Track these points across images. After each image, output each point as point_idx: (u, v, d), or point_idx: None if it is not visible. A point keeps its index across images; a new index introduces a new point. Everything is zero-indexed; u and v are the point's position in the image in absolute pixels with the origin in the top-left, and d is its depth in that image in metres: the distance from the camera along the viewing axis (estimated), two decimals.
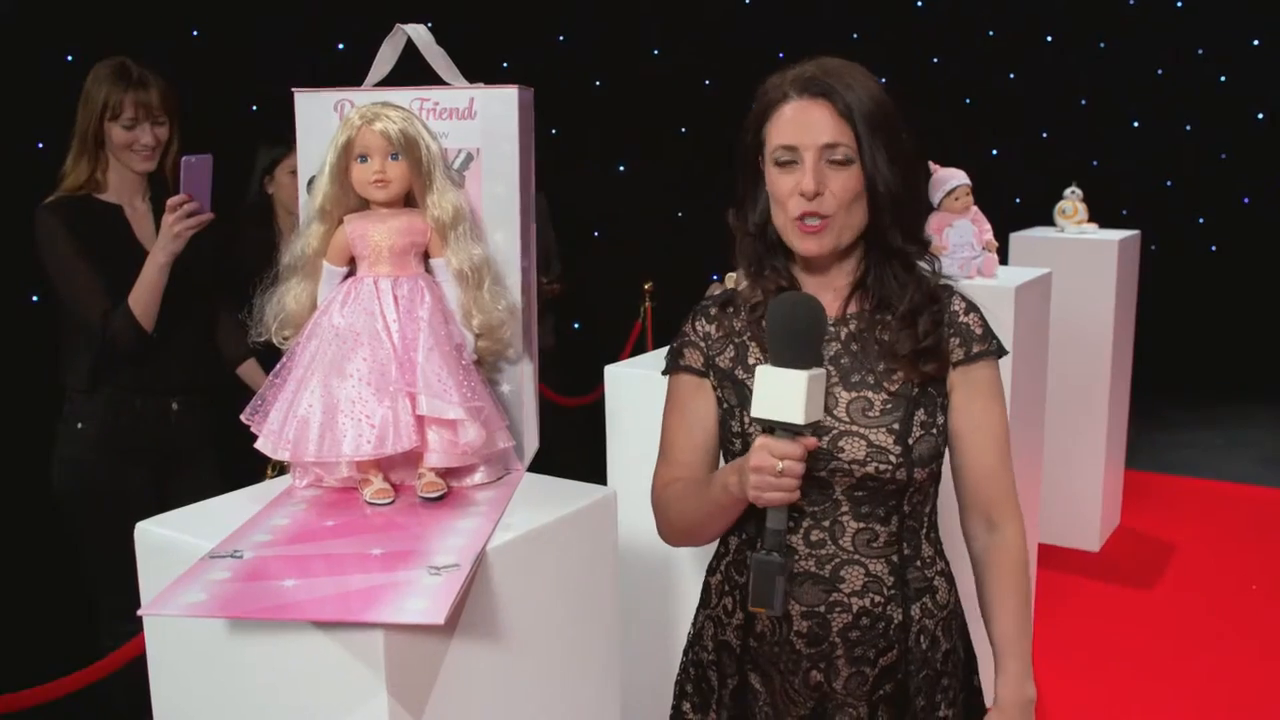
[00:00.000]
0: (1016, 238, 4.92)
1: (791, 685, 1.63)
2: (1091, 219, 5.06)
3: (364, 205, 1.61)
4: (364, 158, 1.56)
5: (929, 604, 1.65)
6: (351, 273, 1.62)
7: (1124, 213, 7.38)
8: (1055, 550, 4.91)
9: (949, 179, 3.69)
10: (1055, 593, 4.49)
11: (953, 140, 7.82)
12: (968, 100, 8.07)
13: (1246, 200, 8.40)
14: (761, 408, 1.42)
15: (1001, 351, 1.68)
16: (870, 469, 1.57)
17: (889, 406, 1.59)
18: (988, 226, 3.70)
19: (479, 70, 1.74)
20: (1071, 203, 5.01)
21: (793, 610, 1.60)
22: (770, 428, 1.43)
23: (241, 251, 2.97)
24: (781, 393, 1.40)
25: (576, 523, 1.57)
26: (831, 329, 1.62)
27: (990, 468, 1.65)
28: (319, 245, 1.60)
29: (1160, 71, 8.36)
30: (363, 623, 1.23)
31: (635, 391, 2.53)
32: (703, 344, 1.68)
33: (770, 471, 1.42)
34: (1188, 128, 8.39)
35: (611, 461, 2.60)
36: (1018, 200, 7.27)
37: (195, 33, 4.33)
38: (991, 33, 8.14)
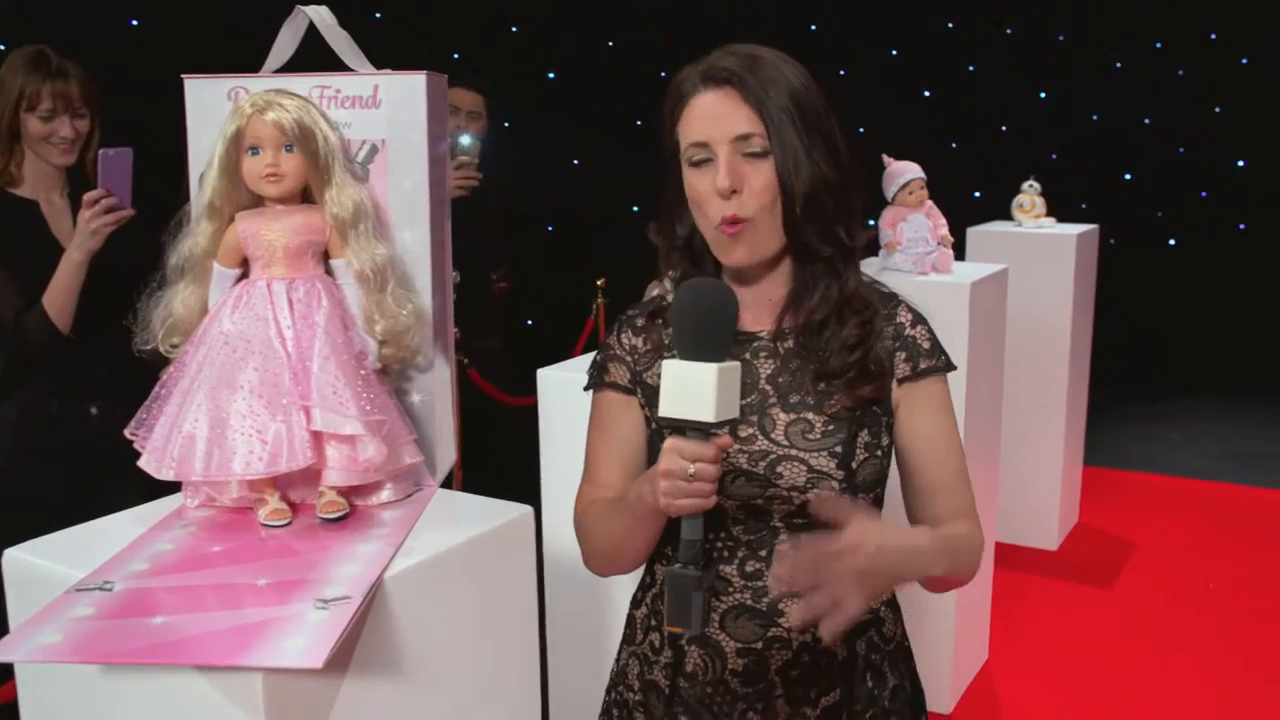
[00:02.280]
0: (974, 232, 4.84)
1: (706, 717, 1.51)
2: (1050, 213, 4.99)
3: (257, 201, 1.49)
4: (255, 150, 1.44)
5: (875, 638, 1.53)
6: (244, 275, 1.50)
7: (1083, 207, 7.34)
8: (1013, 549, 4.84)
9: (903, 172, 3.60)
10: (1014, 592, 4.42)
11: (910, 133, 7.77)
12: (926, 93, 8.01)
13: (1204, 194, 8.39)
14: (669, 406, 1.27)
15: (950, 366, 1.56)
16: (811, 496, 1.44)
17: (830, 428, 1.45)
18: (943, 221, 3.61)
19: (426, 63, 1.62)
20: (1029, 197, 4.93)
21: (727, 647, 1.47)
22: (679, 428, 1.29)
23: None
24: (690, 389, 1.26)
25: (488, 545, 1.45)
26: (769, 345, 1.49)
27: (946, 483, 1.51)
28: (208, 245, 1.47)
29: (1119, 65, 8.33)
30: (233, 666, 1.12)
31: (568, 396, 2.41)
32: (629, 358, 1.54)
33: (681, 476, 1.27)
34: (1146, 121, 8.37)
35: (545, 468, 2.48)
36: (976, 194, 7.22)
37: (134, 22, 4.17)
38: (950, 25, 8.08)
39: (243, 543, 1.39)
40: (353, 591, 1.23)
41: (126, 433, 1.48)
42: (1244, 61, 8.11)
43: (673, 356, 1.30)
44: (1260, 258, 8.12)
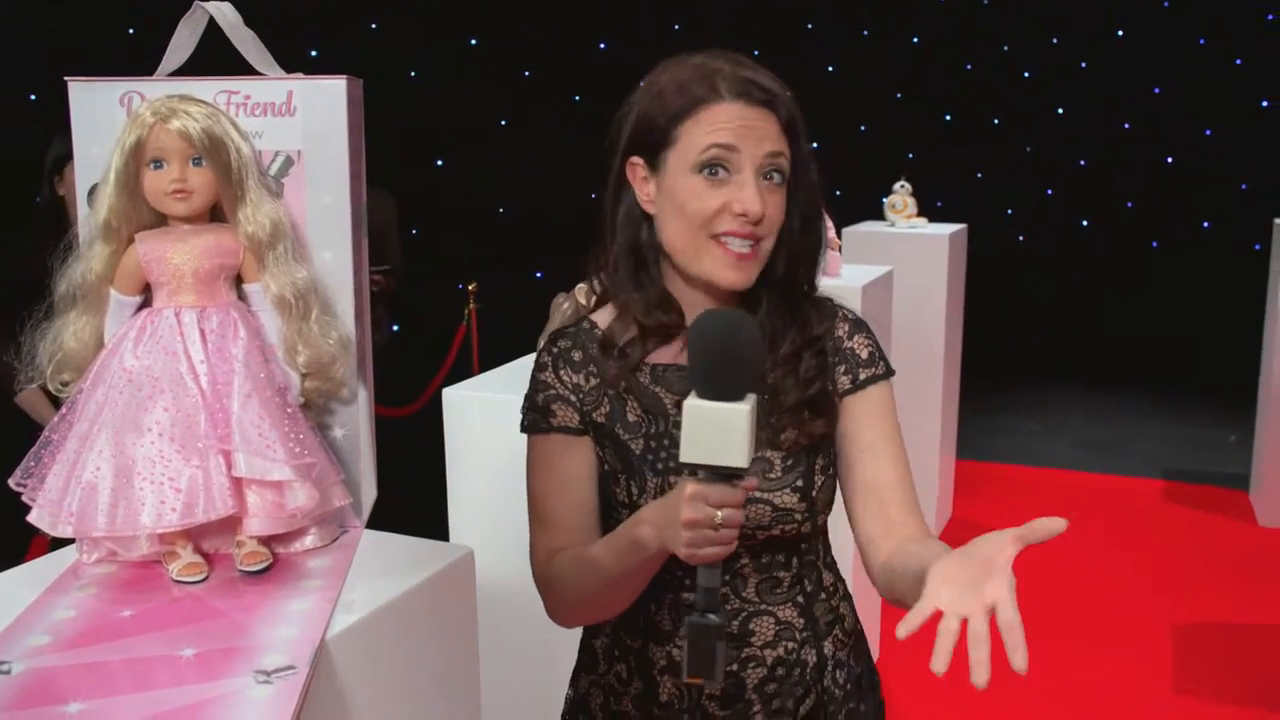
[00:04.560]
0: (848, 233, 4.87)
1: None
2: (922, 213, 5.06)
3: (160, 220, 1.33)
4: (158, 163, 1.28)
5: (839, 634, 1.49)
6: (146, 303, 1.34)
7: (938, 204, 7.50)
8: None
9: None
10: None
11: None
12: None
13: (1050, 192, 8.69)
14: (693, 451, 1.14)
15: (890, 372, 1.50)
16: (775, 531, 1.38)
17: (790, 463, 1.39)
18: (830, 224, 3.59)
19: (285, 60, 1.48)
20: (901, 197, 4.99)
21: (659, 657, 1.42)
22: (694, 471, 1.17)
23: (33, 261, 2.60)
24: (717, 432, 1.13)
25: (430, 591, 1.33)
26: None
27: (892, 486, 1.43)
28: (104, 270, 1.31)
29: (969, 66, 8.55)
30: None
31: (476, 415, 2.29)
32: (574, 397, 1.40)
33: (708, 525, 1.16)
34: (995, 121, 8.61)
35: (452, 489, 2.35)
36: (837, 193, 7.30)
37: None
38: (810, 26, 8.16)
39: (155, 604, 1.24)
40: (296, 660, 1.10)
41: (12, 483, 1.31)
42: (1083, 65, 8.42)
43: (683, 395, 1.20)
44: (1101, 253, 8.45)
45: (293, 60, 1.46)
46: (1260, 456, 5.42)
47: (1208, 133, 8.18)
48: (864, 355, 1.47)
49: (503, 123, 6.80)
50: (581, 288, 2.25)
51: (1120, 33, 8.28)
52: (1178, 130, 8.22)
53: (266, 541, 1.33)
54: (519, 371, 2.44)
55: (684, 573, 1.38)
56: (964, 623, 1.08)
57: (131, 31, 4.35)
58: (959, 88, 8.55)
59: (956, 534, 5.14)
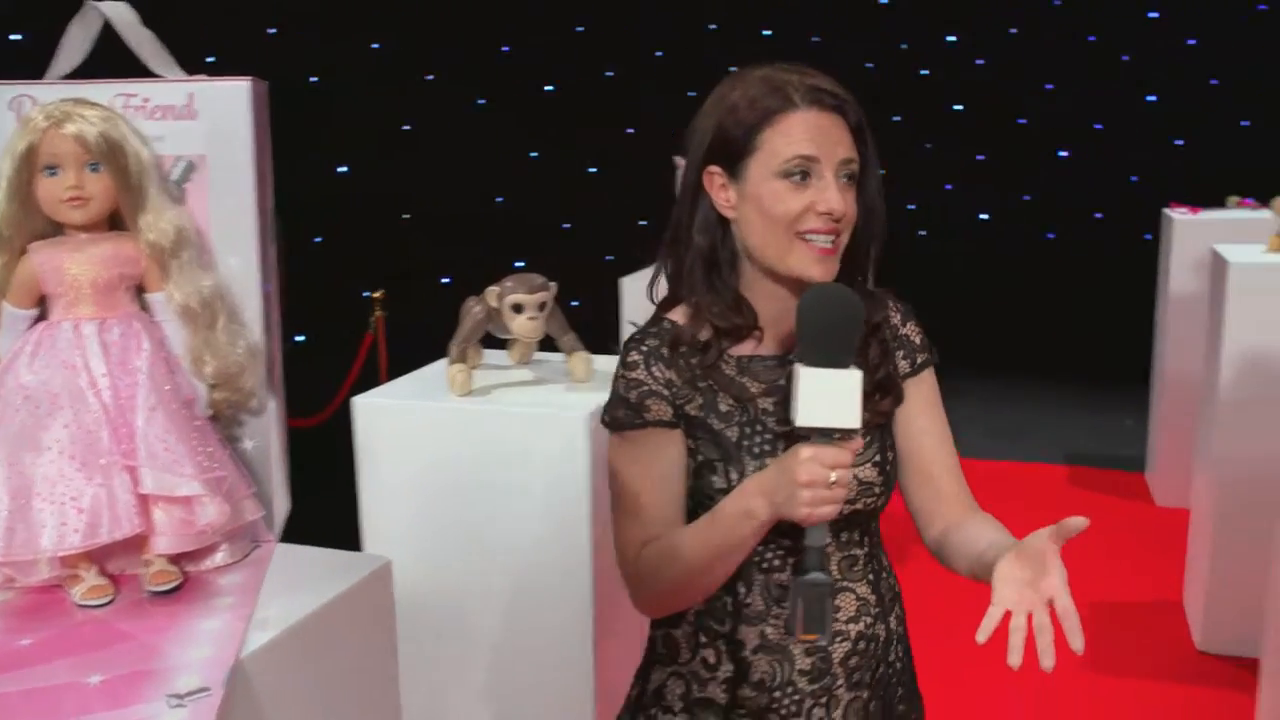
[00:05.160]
0: None
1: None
2: None
3: (56, 229, 1.28)
4: (53, 169, 1.24)
5: (899, 610, 1.61)
6: (43, 315, 1.29)
7: None
8: None
9: None
10: None
11: (680, 133, 7.84)
12: (691, 93, 8.10)
13: (949, 187, 8.84)
14: (809, 415, 1.25)
15: (937, 358, 1.62)
16: (859, 505, 1.47)
17: (869, 439, 1.48)
18: None
19: (187, 62, 1.43)
20: None
21: (796, 650, 1.48)
22: (805, 435, 1.27)
23: None
24: (831, 396, 1.25)
25: (347, 604, 1.30)
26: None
27: (949, 467, 1.57)
28: None
29: (870, 65, 8.66)
30: None
31: (387, 423, 2.25)
32: (666, 391, 1.44)
33: (824, 484, 1.26)
34: (896, 119, 8.75)
35: (364, 499, 2.30)
36: None
37: None
38: (713, 26, 8.20)
39: (58, 630, 1.19)
40: (210, 681, 1.06)
41: None
42: (979, 62, 8.59)
43: (789, 364, 1.32)
44: (1000, 245, 8.63)
45: (195, 63, 1.42)
46: (1155, 439, 5.60)
47: (1098, 127, 8.40)
48: (917, 341, 1.59)
49: (406, 127, 6.72)
50: (492, 290, 2.23)
51: (1014, 30, 8.46)
52: (1070, 125, 8.42)
53: (176, 560, 1.29)
54: (429, 378, 2.40)
55: (773, 554, 1.46)
56: (1029, 617, 1.25)
57: (19, 37, 4.20)
58: (858, 86, 8.63)
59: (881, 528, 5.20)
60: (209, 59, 4.90)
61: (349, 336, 5.12)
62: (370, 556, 1.39)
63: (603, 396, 2.16)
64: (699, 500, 1.47)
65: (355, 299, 5.20)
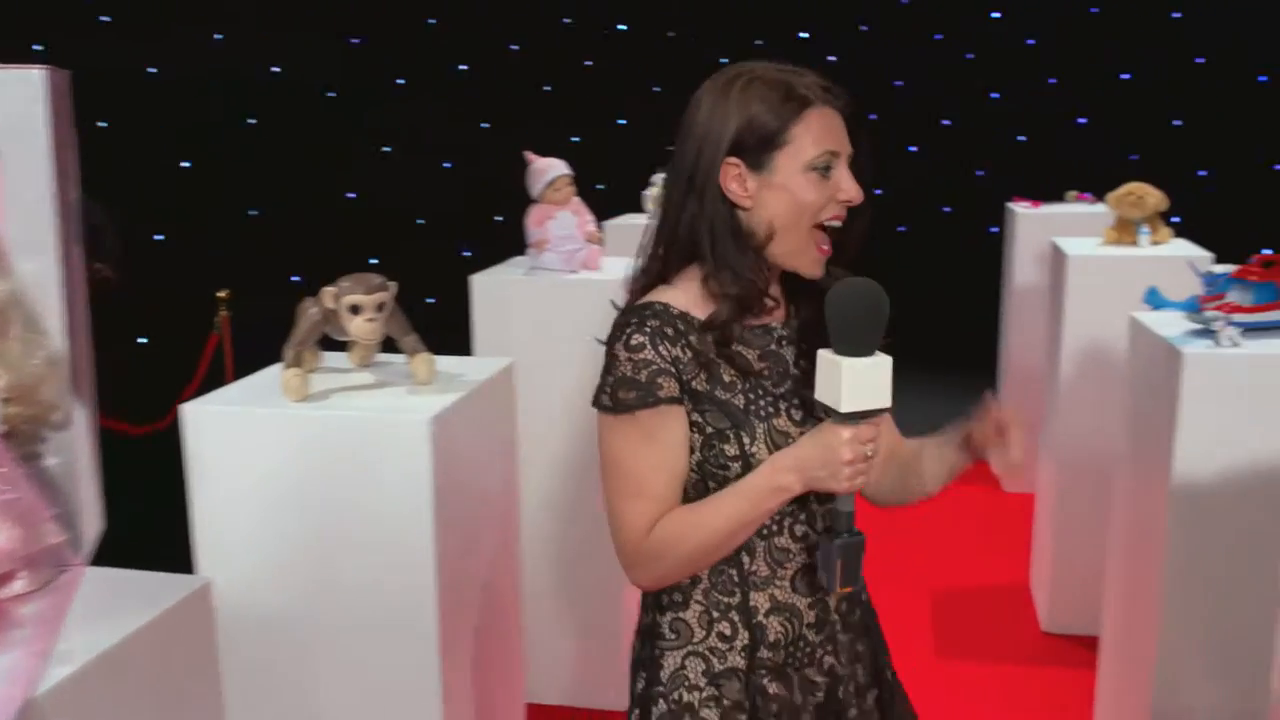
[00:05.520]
0: (610, 225, 4.88)
1: (807, 679, 1.63)
2: None
3: None
4: None
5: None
6: None
7: None
8: None
9: (549, 169, 3.53)
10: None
11: (535, 128, 7.78)
12: (547, 88, 8.04)
13: None
14: (855, 402, 1.40)
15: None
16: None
17: None
18: (590, 217, 3.58)
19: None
20: (661, 189, 5.02)
21: (801, 605, 1.61)
22: (827, 412, 1.44)
23: None
24: (870, 382, 1.40)
25: (160, 632, 1.23)
26: (785, 334, 1.63)
27: (895, 436, 1.80)
28: None
29: (724, 61, 8.71)
30: None
31: (221, 431, 2.14)
32: (673, 369, 1.51)
33: (863, 459, 1.44)
34: None
35: (197, 514, 2.18)
36: (600, 187, 7.33)
37: None
38: (567, 20, 8.15)
39: None
40: None
41: None
42: (831, 59, 8.73)
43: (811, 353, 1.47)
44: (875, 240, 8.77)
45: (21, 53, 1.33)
46: None
47: (946, 123, 8.62)
48: None
49: (251, 121, 6.51)
50: (328, 291, 2.14)
51: (865, 28, 8.61)
52: (918, 121, 8.61)
53: None
54: (266, 383, 2.30)
55: (771, 520, 1.57)
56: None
57: None
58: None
59: None
60: (35, 47, 4.67)
61: (194, 338, 4.93)
62: (188, 578, 1.31)
63: (445, 399, 2.12)
64: (709, 472, 1.55)
65: (201, 298, 5.00)
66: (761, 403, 1.55)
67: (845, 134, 1.56)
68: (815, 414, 1.55)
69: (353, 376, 2.30)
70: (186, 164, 6.07)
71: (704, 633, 1.60)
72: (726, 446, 1.53)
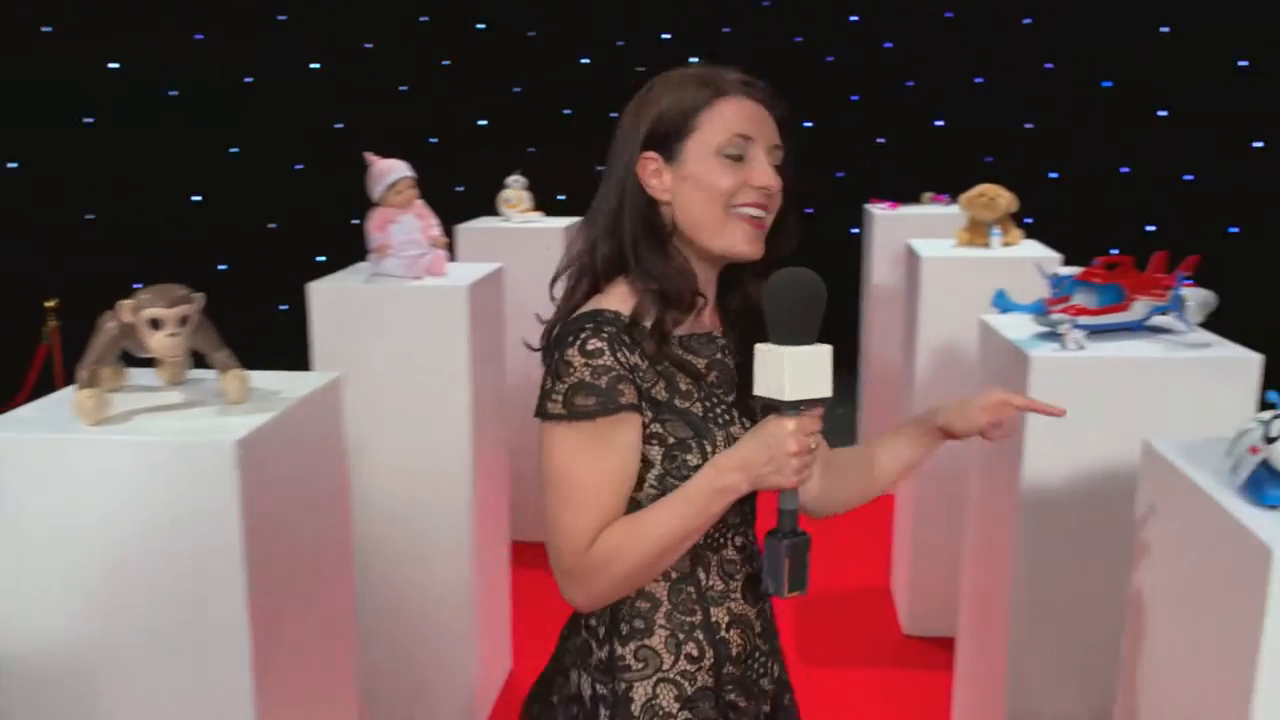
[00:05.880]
0: (463, 230, 4.73)
1: (762, 689, 1.64)
2: (537, 207, 5.00)
3: None
4: None
5: None
6: None
7: (560, 198, 7.53)
8: (530, 547, 4.81)
9: (389, 171, 3.38)
10: (534, 591, 4.38)
11: (391, 129, 7.58)
12: (403, 88, 7.85)
13: None
14: (797, 390, 1.38)
15: None
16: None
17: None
18: (435, 221, 3.44)
19: None
20: (515, 191, 4.91)
21: (750, 614, 1.61)
22: (774, 408, 1.40)
23: None
24: (809, 371, 1.38)
25: None
26: (725, 343, 1.62)
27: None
28: None
29: (585, 60, 8.64)
30: None
31: (7, 461, 1.93)
32: (631, 375, 1.48)
33: (808, 451, 1.41)
34: (613, 115, 8.75)
35: None
36: (460, 189, 7.17)
37: None
38: (424, 19, 7.97)
39: None
40: None
41: None
42: (693, 60, 8.71)
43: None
44: None
45: None
46: (863, 428, 5.79)
47: (807, 125, 8.68)
48: None
49: (88, 120, 6.18)
50: (125, 304, 1.97)
51: (726, 29, 8.62)
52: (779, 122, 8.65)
53: None
54: (57, 407, 2.10)
55: (718, 534, 1.56)
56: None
57: None
58: (577, 82, 8.63)
59: None
60: None
61: (21, 349, 4.66)
62: None
63: (256, 419, 1.96)
64: (669, 485, 1.51)
65: (30, 308, 4.72)
66: (717, 410, 1.54)
67: (768, 125, 1.54)
68: (756, 420, 1.55)
69: (160, 396, 2.12)
70: (14, 164, 5.72)
71: (672, 657, 1.55)
72: (689, 456, 1.50)
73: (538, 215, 4.95)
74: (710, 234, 1.52)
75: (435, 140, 8.08)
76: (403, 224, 3.36)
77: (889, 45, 8.21)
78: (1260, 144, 7.64)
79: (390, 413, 3.26)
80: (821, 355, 1.39)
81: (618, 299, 1.52)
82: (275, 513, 1.99)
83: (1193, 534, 1.64)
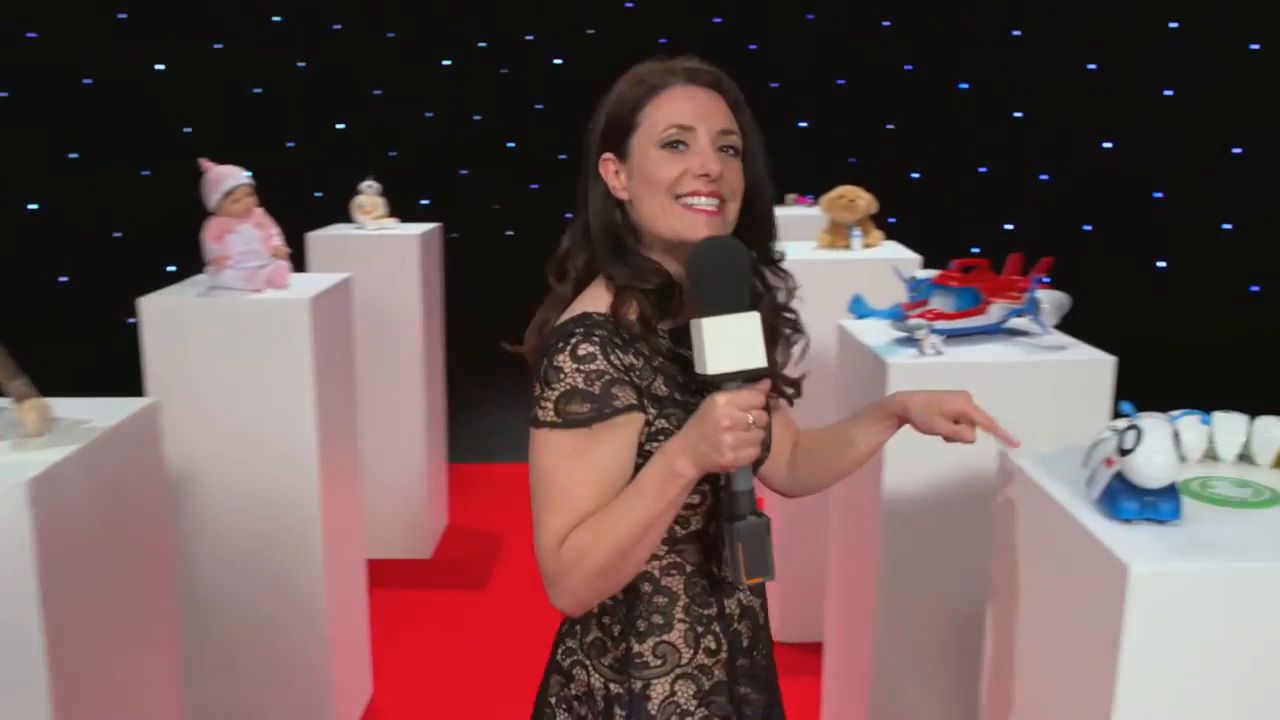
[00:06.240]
0: (314, 238, 4.54)
1: (766, 681, 1.65)
2: (393, 213, 4.82)
3: None
4: None
5: None
6: None
7: (424, 204, 7.35)
8: (388, 564, 4.65)
9: (225, 178, 3.19)
10: (394, 610, 4.23)
11: (247, 134, 7.31)
12: (257, 90, 7.57)
13: (535, 186, 8.82)
14: (719, 362, 1.32)
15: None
16: (762, 457, 1.63)
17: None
18: (276, 230, 3.26)
19: None
20: (369, 198, 4.73)
21: (755, 605, 1.61)
22: (717, 383, 1.33)
23: None
24: (736, 341, 1.33)
25: None
26: None
27: (788, 416, 1.80)
28: None
29: (447, 62, 8.47)
30: None
31: None
32: (628, 376, 1.46)
33: (743, 426, 1.33)
34: (477, 118, 8.60)
35: None
36: (319, 195, 6.93)
37: None
38: (277, 19, 7.70)
39: None
40: None
41: None
42: (556, 62, 8.61)
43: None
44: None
45: None
46: None
47: None
48: (796, 318, 1.72)
49: None
50: None
51: (591, 30, 8.53)
52: None
53: None
54: None
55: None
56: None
57: None
58: (440, 84, 8.46)
59: (456, 543, 4.99)
60: None
61: None
62: None
63: (54, 454, 1.78)
64: None
65: None
66: None
67: (716, 111, 1.52)
68: None
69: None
70: None
71: (691, 651, 1.55)
72: None
73: (393, 222, 4.78)
74: (663, 226, 1.51)
75: (292, 145, 7.83)
76: (241, 234, 3.18)
77: (753, 47, 8.23)
78: (1109, 144, 7.86)
79: (230, 433, 3.08)
80: (746, 324, 1.33)
81: (601, 299, 1.52)
82: (79, 553, 1.81)
83: (1050, 548, 1.59)
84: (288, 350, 3.08)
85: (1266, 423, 1.66)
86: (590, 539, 1.43)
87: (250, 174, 3.23)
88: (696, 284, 1.37)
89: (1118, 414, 1.50)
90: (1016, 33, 7.88)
